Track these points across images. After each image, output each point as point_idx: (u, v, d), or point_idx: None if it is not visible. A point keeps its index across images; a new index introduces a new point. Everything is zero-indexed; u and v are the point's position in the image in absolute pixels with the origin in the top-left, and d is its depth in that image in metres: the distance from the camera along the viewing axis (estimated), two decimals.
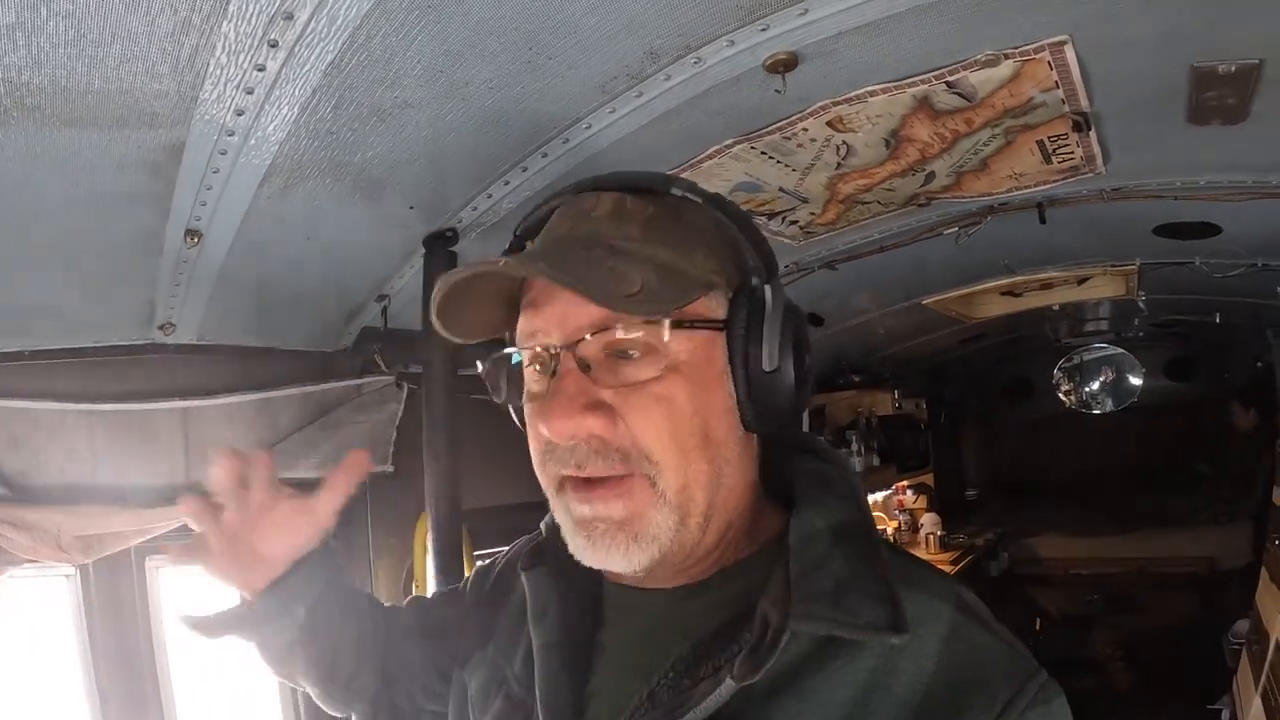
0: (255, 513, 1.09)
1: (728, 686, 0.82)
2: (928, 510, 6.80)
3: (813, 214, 2.48)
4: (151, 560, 2.23)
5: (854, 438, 5.67)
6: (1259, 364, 5.70)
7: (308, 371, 2.50)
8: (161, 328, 2.10)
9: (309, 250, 2.00)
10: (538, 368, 0.94)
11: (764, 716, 0.84)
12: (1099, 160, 2.19)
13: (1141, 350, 7.23)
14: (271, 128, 1.46)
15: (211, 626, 1.12)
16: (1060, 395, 7.77)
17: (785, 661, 0.83)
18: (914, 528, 6.76)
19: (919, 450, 6.86)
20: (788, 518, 0.95)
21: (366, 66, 1.36)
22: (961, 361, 7.19)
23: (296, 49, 1.26)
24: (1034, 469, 8.57)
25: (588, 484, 0.90)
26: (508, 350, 0.98)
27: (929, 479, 7.17)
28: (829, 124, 1.87)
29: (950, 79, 1.69)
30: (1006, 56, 1.62)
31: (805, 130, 1.88)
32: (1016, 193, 2.47)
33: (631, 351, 0.90)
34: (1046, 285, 4.11)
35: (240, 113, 1.40)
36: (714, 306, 0.95)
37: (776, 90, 1.62)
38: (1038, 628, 6.91)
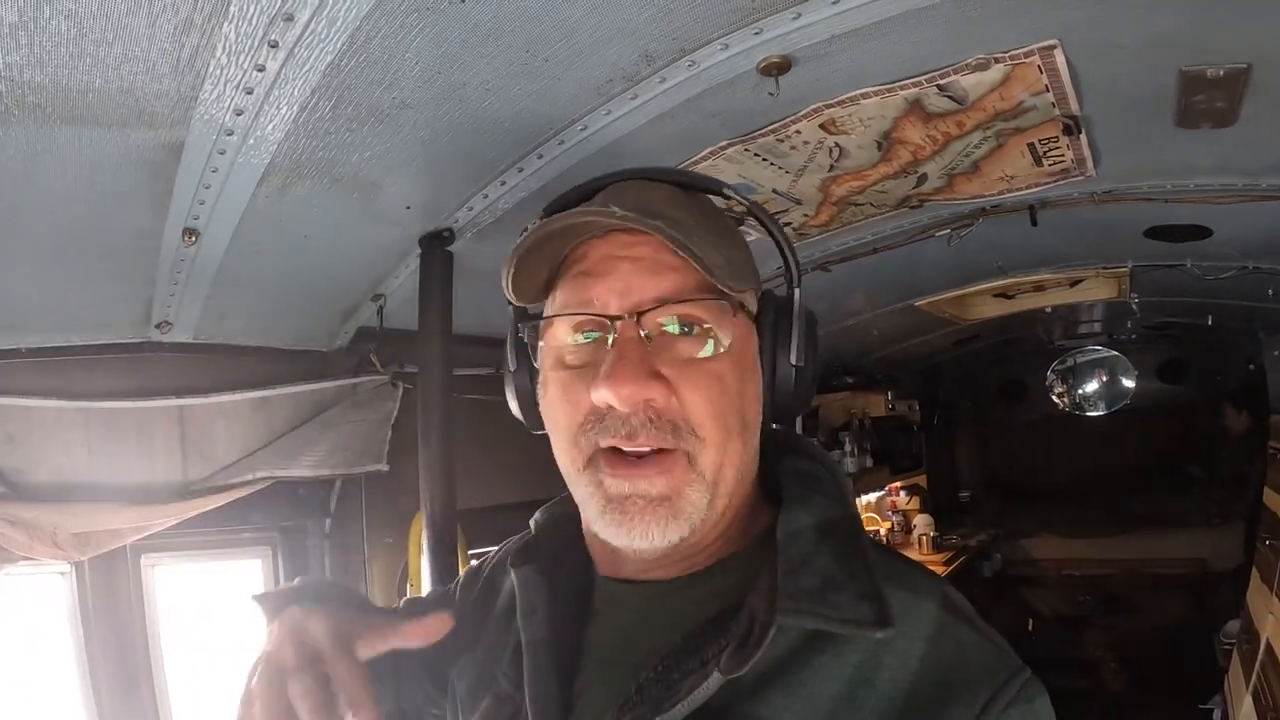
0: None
1: (714, 680, 0.83)
2: (921, 512, 6.82)
3: (806, 216, 2.49)
4: (147, 558, 2.24)
5: (847, 439, 5.68)
6: (1251, 366, 5.72)
7: (304, 371, 2.51)
8: (158, 326, 2.11)
9: (306, 250, 2.01)
10: (582, 338, 0.95)
11: (751, 710, 0.85)
12: (1089, 163, 2.21)
13: (1134, 353, 7.26)
14: (270, 128, 1.47)
15: None
16: (1054, 397, 7.80)
17: (772, 656, 0.84)
18: (907, 529, 6.79)
19: (912, 452, 6.89)
20: (777, 515, 0.97)
21: (365, 67, 1.37)
22: (955, 363, 7.22)
23: (296, 50, 1.27)
24: (1027, 471, 8.58)
25: (626, 460, 0.91)
26: (560, 313, 0.97)
27: (922, 480, 7.20)
28: (822, 126, 1.88)
29: (941, 82, 1.71)
30: (997, 60, 1.63)
31: (798, 132, 1.90)
32: (1008, 195, 2.48)
33: (693, 328, 0.93)
34: (1039, 287, 4.13)
35: (239, 113, 1.40)
36: (751, 301, 1.00)
37: (770, 93, 1.63)
38: (1030, 629, 6.93)
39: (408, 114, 1.54)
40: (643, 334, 0.91)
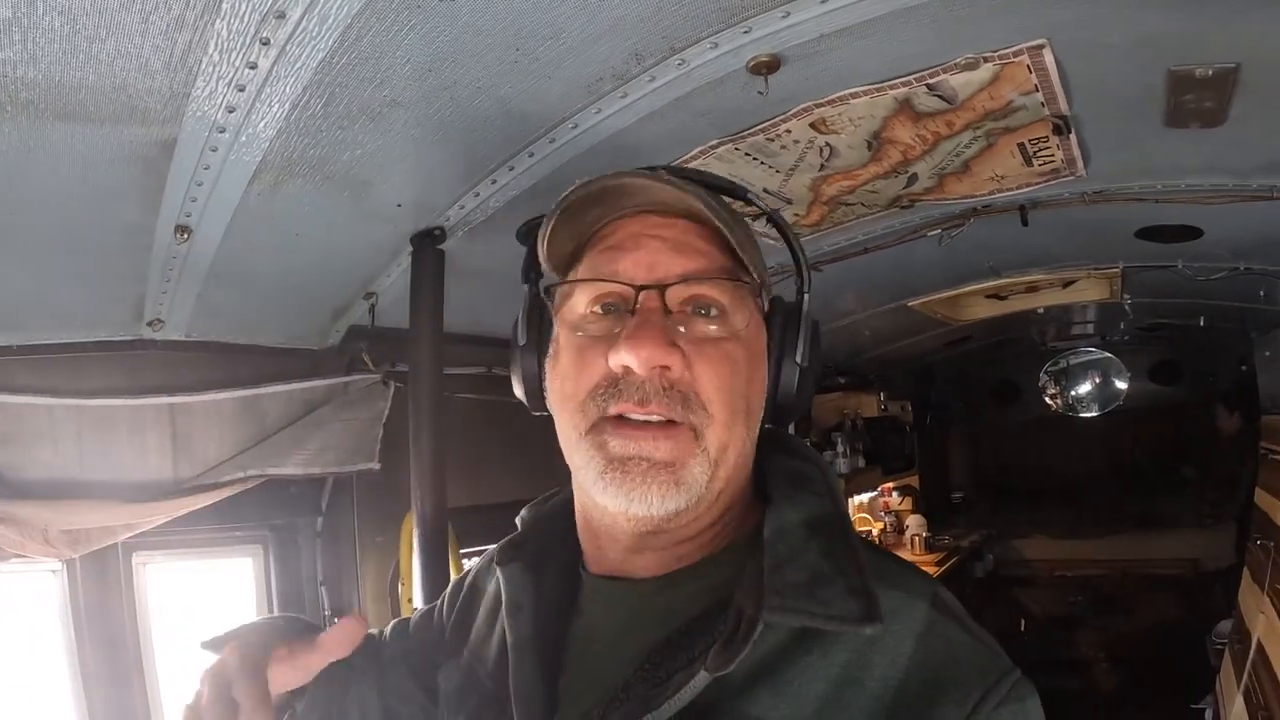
0: None
1: (702, 678, 0.83)
2: (913, 512, 6.82)
3: (797, 215, 2.50)
4: (138, 556, 2.24)
5: (839, 439, 5.68)
6: (1243, 367, 5.73)
7: (295, 369, 2.51)
8: (150, 324, 2.11)
9: (297, 247, 2.01)
10: (601, 310, 0.96)
11: (738, 708, 0.84)
12: (1079, 163, 2.22)
13: (1127, 354, 7.29)
14: (262, 125, 1.47)
15: None
16: (1046, 399, 7.82)
17: (760, 654, 0.84)
18: (899, 529, 6.78)
19: (904, 452, 6.90)
20: (765, 513, 0.97)
21: (356, 65, 1.37)
22: (948, 364, 7.23)
23: (288, 47, 1.28)
24: (1020, 472, 8.61)
25: (632, 424, 0.91)
26: (585, 278, 0.98)
27: (915, 481, 7.21)
28: (812, 125, 1.89)
29: (931, 81, 1.72)
30: (986, 60, 1.64)
31: (788, 132, 1.90)
32: (998, 195, 2.49)
33: (712, 309, 0.95)
34: (1031, 288, 4.14)
35: (232, 110, 1.41)
36: (764, 299, 1.03)
37: (759, 92, 1.64)
38: (1022, 629, 6.94)
39: (399, 112, 1.55)
40: (665, 308, 0.93)
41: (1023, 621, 7.03)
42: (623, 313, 0.94)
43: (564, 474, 1.02)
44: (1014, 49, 1.61)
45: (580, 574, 1.07)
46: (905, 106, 1.84)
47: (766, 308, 1.03)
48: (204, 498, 2.21)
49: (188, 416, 2.24)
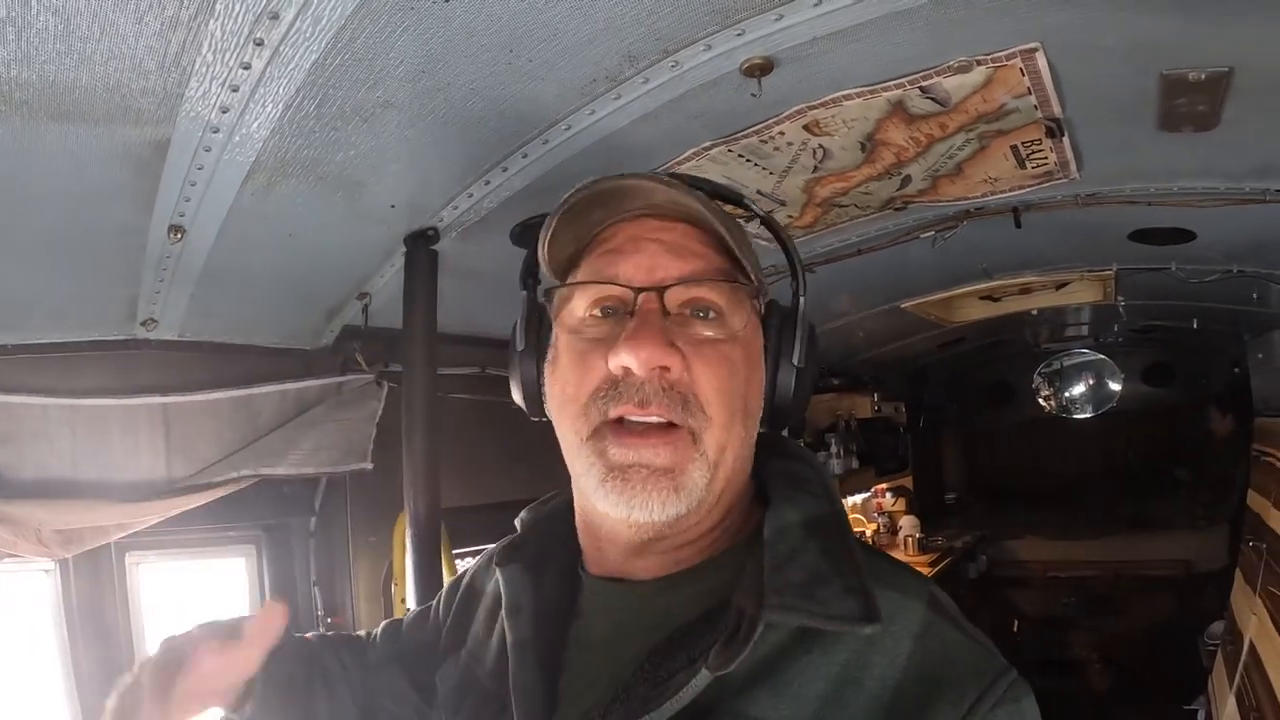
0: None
1: (703, 677, 0.83)
2: (907, 513, 6.83)
3: (790, 217, 2.50)
4: (131, 555, 2.23)
5: (833, 440, 5.68)
6: (1236, 369, 5.75)
7: (288, 369, 2.51)
8: (144, 324, 2.11)
9: (291, 248, 2.01)
10: (600, 313, 0.97)
11: (738, 709, 0.85)
12: (1072, 166, 2.22)
13: (1120, 356, 7.30)
14: (256, 125, 1.47)
15: None
16: (1040, 400, 7.84)
17: (760, 654, 0.84)
18: (893, 530, 6.80)
19: (898, 453, 6.89)
20: (763, 515, 0.97)
21: (350, 66, 1.37)
22: (941, 365, 7.23)
23: (281, 48, 1.28)
24: (1013, 473, 8.61)
25: (632, 431, 0.92)
26: (583, 281, 0.99)
27: (908, 482, 7.20)
28: (805, 128, 1.89)
29: (924, 84, 1.72)
30: (979, 63, 1.64)
31: (782, 134, 1.91)
32: (991, 197, 2.50)
33: (710, 312, 0.96)
34: (1025, 290, 4.15)
35: (225, 110, 1.41)
36: (760, 302, 1.03)
37: (753, 94, 1.64)
38: (1016, 630, 6.95)
39: (392, 113, 1.55)
40: (664, 310, 0.93)
41: (1016, 622, 7.04)
42: (622, 315, 0.95)
43: (556, 474, 1.03)
44: (1007, 52, 1.61)
45: (580, 575, 1.07)
46: (899, 109, 1.84)
47: (763, 311, 1.03)
48: (197, 498, 2.21)
49: (181, 416, 2.24)
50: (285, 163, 1.64)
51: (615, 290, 0.95)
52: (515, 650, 1.00)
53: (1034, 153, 2.13)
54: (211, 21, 1.21)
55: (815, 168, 2.14)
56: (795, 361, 1.02)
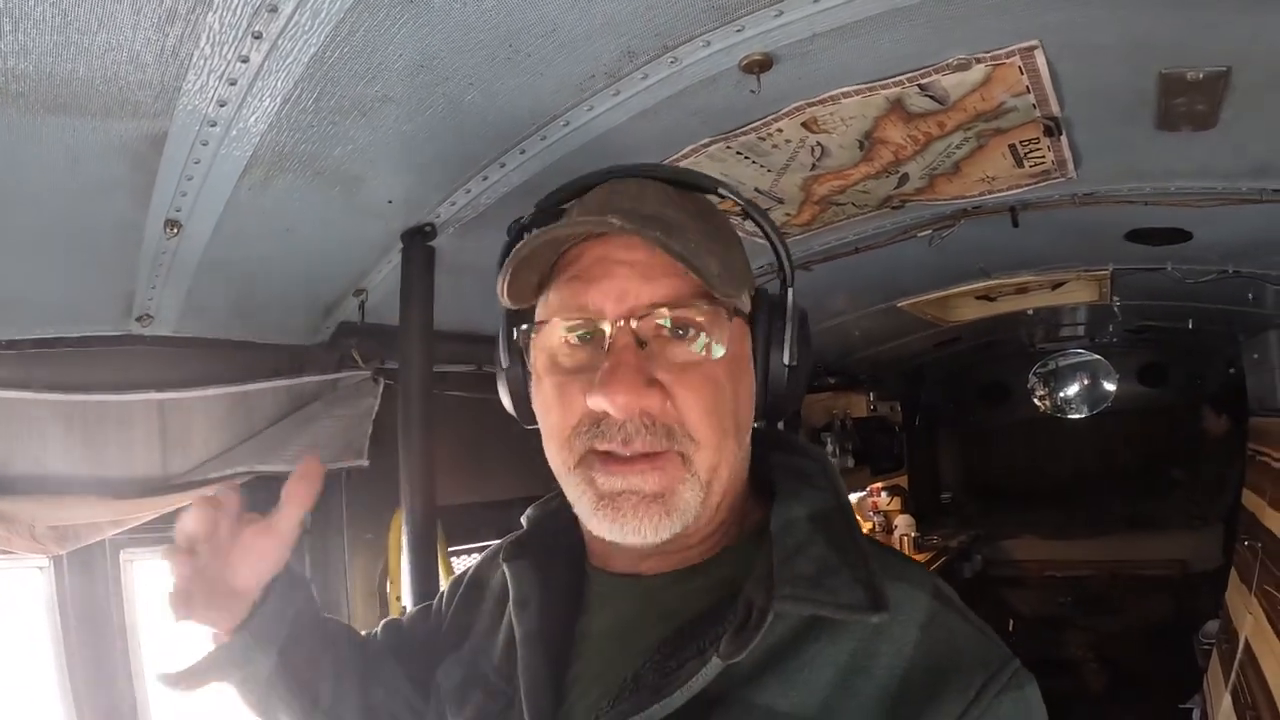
0: (226, 548, 1.09)
1: (714, 665, 0.84)
2: (902, 512, 6.85)
3: (788, 215, 2.50)
4: (126, 553, 2.22)
5: (829, 439, 5.70)
6: (1231, 370, 5.77)
7: (284, 365, 2.50)
8: (139, 319, 2.09)
9: (288, 243, 2.00)
10: (575, 339, 0.95)
11: (748, 697, 0.85)
12: (1070, 165, 2.22)
13: (1115, 356, 7.32)
14: (253, 119, 1.47)
15: (192, 677, 1.09)
16: (1035, 400, 7.85)
17: (769, 643, 0.85)
18: (888, 529, 6.81)
19: (894, 452, 6.92)
20: (769, 509, 0.98)
21: (348, 60, 1.37)
22: (937, 365, 7.26)
23: (280, 41, 1.27)
24: (1008, 472, 8.64)
25: (619, 459, 0.91)
26: (552, 319, 0.96)
27: (903, 481, 7.24)
28: (803, 125, 1.89)
29: (922, 82, 1.72)
30: (978, 61, 1.64)
31: (780, 131, 1.90)
32: (989, 196, 2.50)
33: (689, 331, 0.93)
34: (1021, 290, 4.15)
35: (223, 104, 1.40)
36: (745, 301, 1.01)
37: (751, 91, 1.64)
38: (1011, 629, 6.96)
39: (390, 108, 1.54)
40: (638, 339, 0.91)
41: (1011, 622, 7.04)
42: (598, 341, 0.93)
43: (553, 474, 1.02)
44: (1006, 50, 1.61)
45: (586, 570, 1.08)
46: (897, 106, 1.84)
47: (750, 305, 1.02)
48: (192, 494, 2.19)
49: (176, 412, 2.23)
50: (282, 157, 1.63)
51: (586, 321, 0.94)
52: (523, 643, 1.01)
53: (1031, 152, 2.13)
54: (210, 14, 1.20)
55: (813, 165, 2.14)
56: (786, 361, 1.01)
